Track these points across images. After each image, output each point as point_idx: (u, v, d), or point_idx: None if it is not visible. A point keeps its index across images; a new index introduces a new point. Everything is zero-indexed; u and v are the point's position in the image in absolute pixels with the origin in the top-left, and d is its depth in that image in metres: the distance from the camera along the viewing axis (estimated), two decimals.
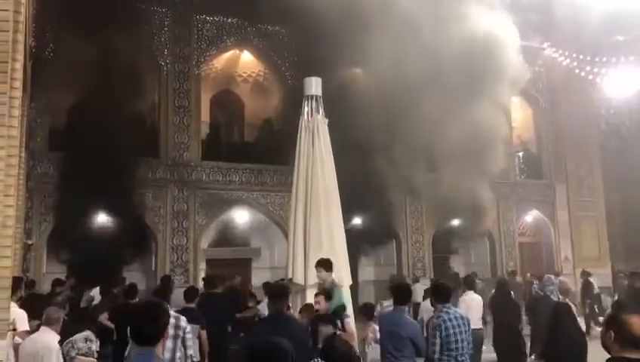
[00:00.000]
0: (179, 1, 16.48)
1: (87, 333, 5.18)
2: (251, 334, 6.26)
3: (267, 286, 9.76)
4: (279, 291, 5.64)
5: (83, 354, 5.05)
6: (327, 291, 6.25)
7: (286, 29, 17.12)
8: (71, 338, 5.02)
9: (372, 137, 14.64)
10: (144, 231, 15.12)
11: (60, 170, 14.10)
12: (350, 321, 6.49)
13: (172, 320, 5.93)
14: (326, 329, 5.13)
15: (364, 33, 13.22)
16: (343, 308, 6.61)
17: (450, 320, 5.57)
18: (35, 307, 6.63)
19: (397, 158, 14.42)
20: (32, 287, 10.50)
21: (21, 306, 8.39)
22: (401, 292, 6.00)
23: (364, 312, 7.25)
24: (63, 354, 5.10)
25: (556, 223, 20.84)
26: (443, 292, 5.86)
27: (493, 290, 10.40)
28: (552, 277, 11.20)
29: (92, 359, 5.27)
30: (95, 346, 5.16)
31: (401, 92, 13.55)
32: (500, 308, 9.58)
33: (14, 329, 5.95)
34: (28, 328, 6.28)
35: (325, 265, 6.75)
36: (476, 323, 8.01)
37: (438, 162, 15.70)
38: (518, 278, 16.91)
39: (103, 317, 8.70)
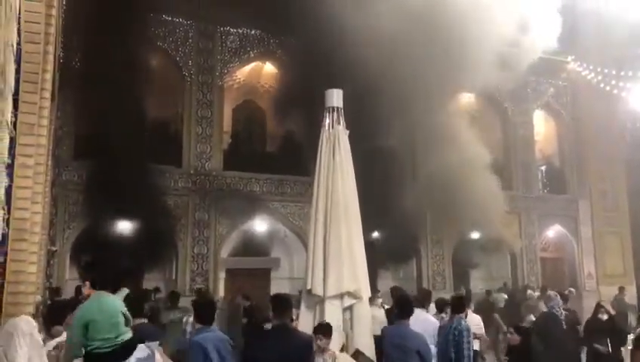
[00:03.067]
0: (203, 14, 16.73)
1: (62, 339, 5.13)
2: (254, 346, 5.47)
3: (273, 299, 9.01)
4: (284, 303, 5.20)
5: None
6: None
7: (305, 41, 17.18)
8: (47, 343, 5.01)
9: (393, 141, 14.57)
10: (165, 239, 15.25)
11: (84, 178, 14.34)
12: None
13: None
14: None
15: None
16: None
17: None
18: (59, 312, 6.70)
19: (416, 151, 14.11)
20: (58, 295, 10.59)
21: (43, 313, 8.52)
22: (404, 307, 5.93)
23: (323, 332, 5.62)
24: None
25: (579, 239, 20.52)
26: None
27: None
28: (552, 293, 10.92)
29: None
30: None
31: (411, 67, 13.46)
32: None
33: None
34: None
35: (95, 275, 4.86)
36: None
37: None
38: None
39: None
